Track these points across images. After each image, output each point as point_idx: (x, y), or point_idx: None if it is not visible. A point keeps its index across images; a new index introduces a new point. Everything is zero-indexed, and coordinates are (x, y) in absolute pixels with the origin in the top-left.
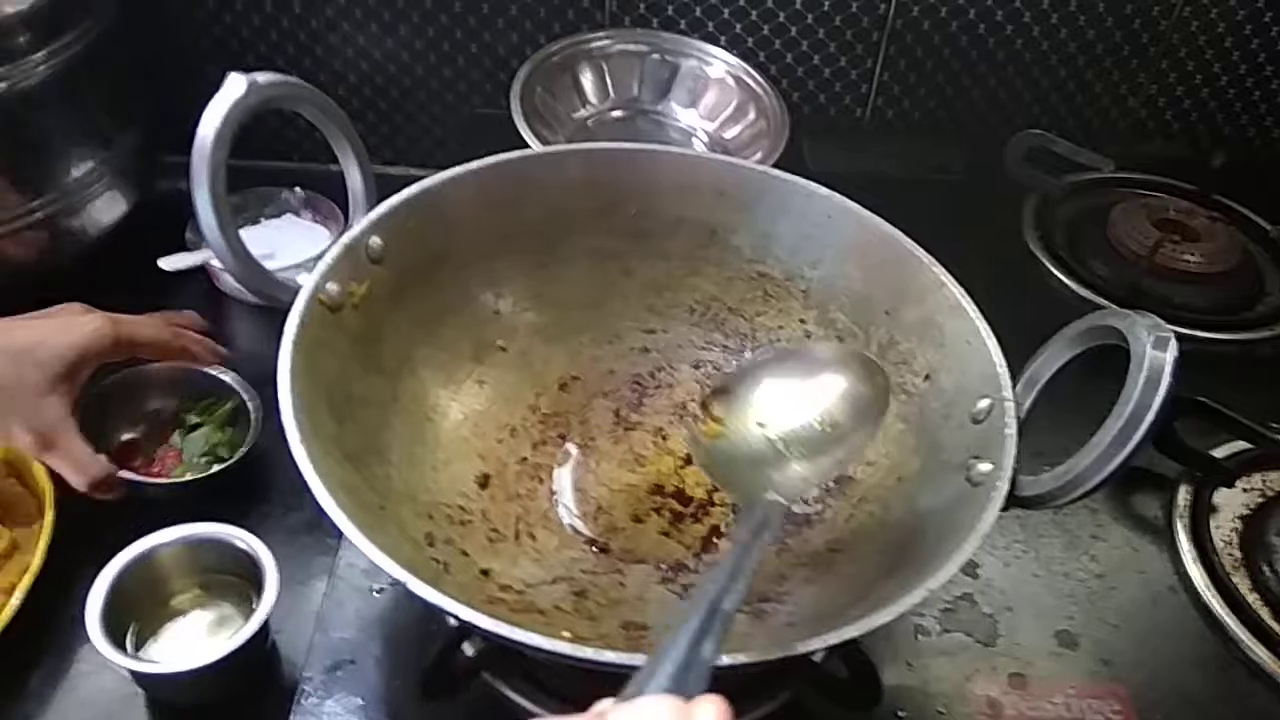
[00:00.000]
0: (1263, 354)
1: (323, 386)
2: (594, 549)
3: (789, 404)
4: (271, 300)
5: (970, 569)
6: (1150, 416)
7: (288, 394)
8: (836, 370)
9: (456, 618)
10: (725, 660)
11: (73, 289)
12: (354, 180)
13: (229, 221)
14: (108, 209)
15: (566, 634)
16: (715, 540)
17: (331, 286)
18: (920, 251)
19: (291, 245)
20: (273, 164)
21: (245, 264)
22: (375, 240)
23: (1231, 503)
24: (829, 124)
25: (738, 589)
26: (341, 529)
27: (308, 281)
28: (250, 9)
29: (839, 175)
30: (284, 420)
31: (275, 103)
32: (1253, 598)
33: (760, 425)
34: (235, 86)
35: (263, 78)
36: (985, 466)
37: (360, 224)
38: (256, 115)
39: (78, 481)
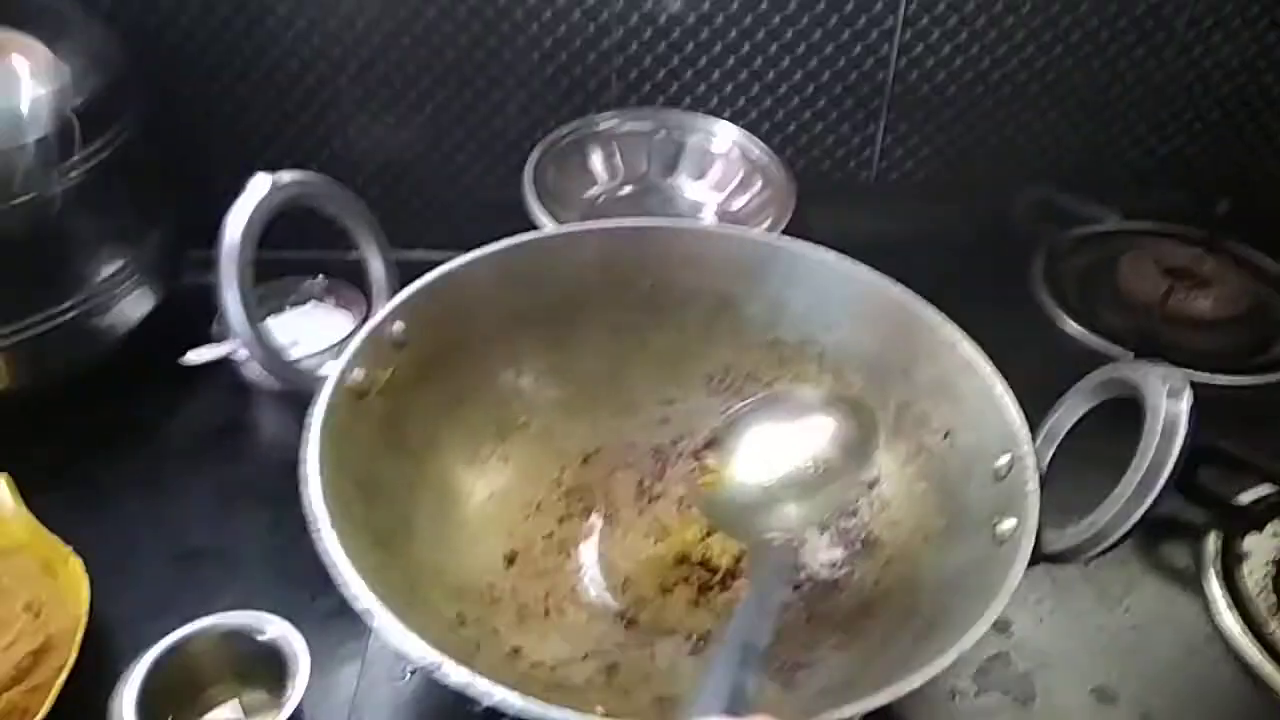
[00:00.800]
0: None
1: (349, 471)
2: (623, 622)
3: (778, 448)
4: (298, 389)
5: (1003, 627)
6: (1169, 468)
7: (316, 481)
8: (821, 412)
9: (490, 700)
10: None
11: (99, 385)
12: (375, 268)
13: (257, 318)
14: (135, 306)
15: (600, 709)
16: None
17: (357, 373)
18: (931, 312)
19: (315, 332)
20: (293, 254)
21: (273, 358)
22: (398, 325)
23: (1262, 548)
24: (835, 190)
25: (765, 626)
26: (377, 617)
27: (334, 369)
28: (269, 107)
29: (846, 239)
30: (312, 508)
31: (298, 200)
32: None
33: (752, 471)
34: (260, 186)
35: (286, 176)
36: (1009, 523)
37: (383, 311)
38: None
39: None
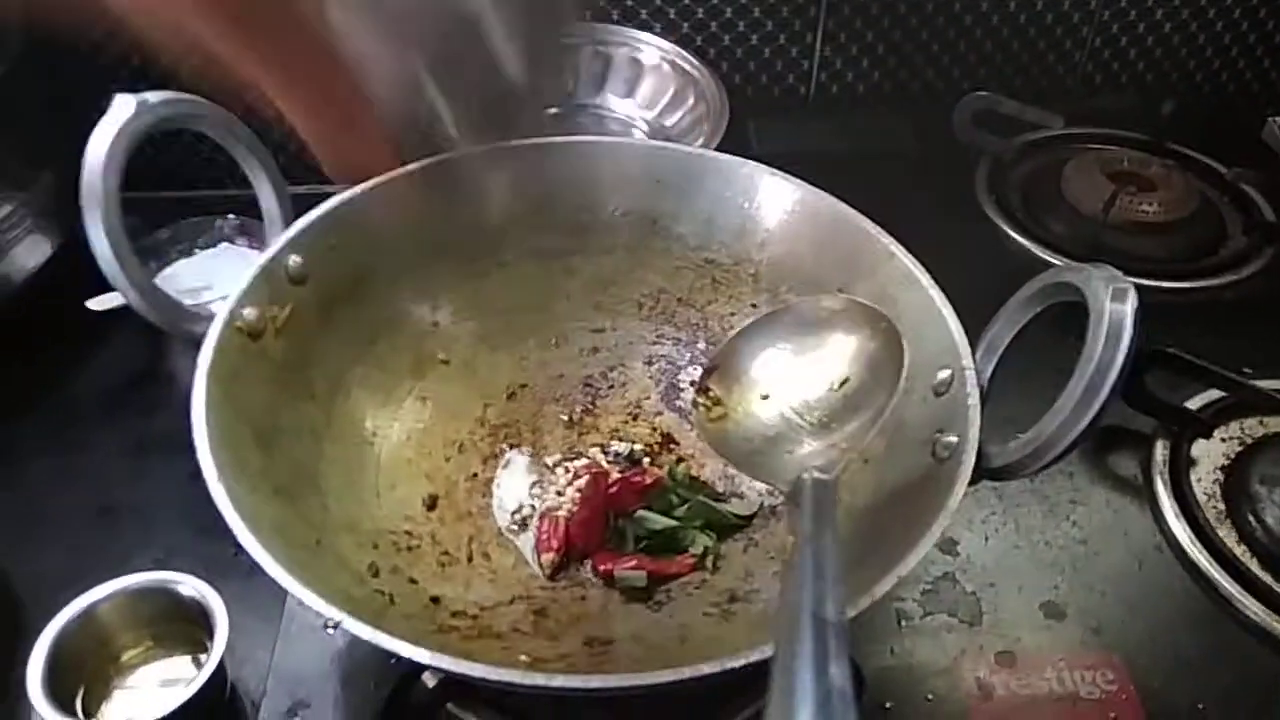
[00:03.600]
0: (1229, 299)
1: (246, 419)
2: None
3: (790, 370)
4: (188, 335)
5: (949, 546)
6: (1114, 373)
7: (203, 430)
8: (834, 325)
9: (401, 653)
10: (688, 673)
11: (1, 337)
12: (267, 199)
13: (130, 255)
14: (30, 253)
15: (524, 657)
16: None
17: (249, 312)
18: (867, 223)
19: (229, 274)
20: (205, 193)
21: (153, 299)
22: (295, 259)
23: (1210, 454)
24: (773, 104)
25: (834, 592)
26: (268, 570)
27: (222, 309)
28: None
29: (787, 155)
30: (200, 459)
31: (171, 122)
32: (1240, 550)
33: (765, 398)
34: (123, 108)
35: (154, 96)
36: (950, 439)
37: (277, 244)
38: (181, 142)
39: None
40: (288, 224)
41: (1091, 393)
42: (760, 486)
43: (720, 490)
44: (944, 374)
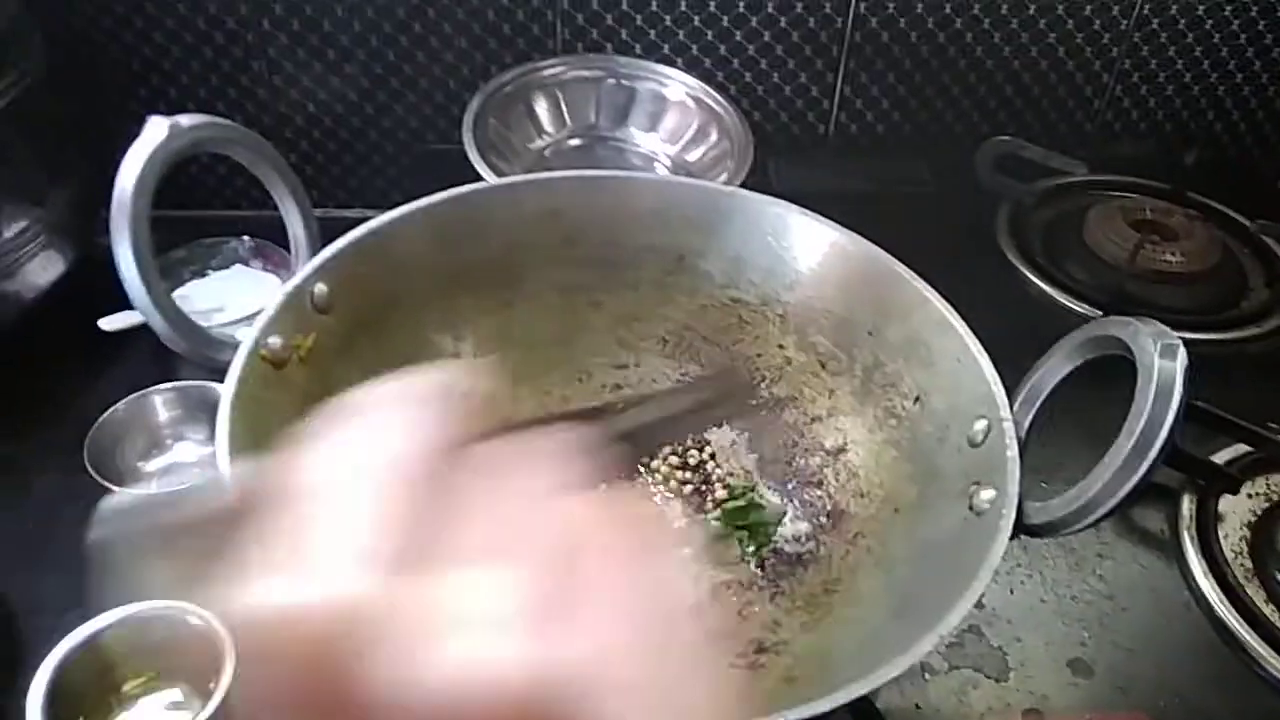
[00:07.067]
0: (1253, 352)
1: (268, 447)
2: None
3: None
4: (209, 361)
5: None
6: (1165, 431)
7: (226, 459)
8: None
9: None
10: None
11: (8, 354)
12: (294, 225)
13: (156, 277)
14: (44, 270)
15: None
16: None
17: (274, 340)
18: (900, 267)
19: (242, 297)
20: (220, 213)
21: (176, 323)
22: (320, 288)
23: (1238, 509)
24: (793, 142)
25: None
26: None
27: (247, 337)
28: (189, 55)
29: (806, 194)
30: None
31: (202, 146)
32: (1269, 609)
33: None
34: (156, 130)
35: (186, 120)
36: (988, 493)
37: (303, 271)
38: (199, 162)
39: None
40: (315, 250)
41: (1141, 451)
42: (787, 533)
43: None
44: (980, 424)
